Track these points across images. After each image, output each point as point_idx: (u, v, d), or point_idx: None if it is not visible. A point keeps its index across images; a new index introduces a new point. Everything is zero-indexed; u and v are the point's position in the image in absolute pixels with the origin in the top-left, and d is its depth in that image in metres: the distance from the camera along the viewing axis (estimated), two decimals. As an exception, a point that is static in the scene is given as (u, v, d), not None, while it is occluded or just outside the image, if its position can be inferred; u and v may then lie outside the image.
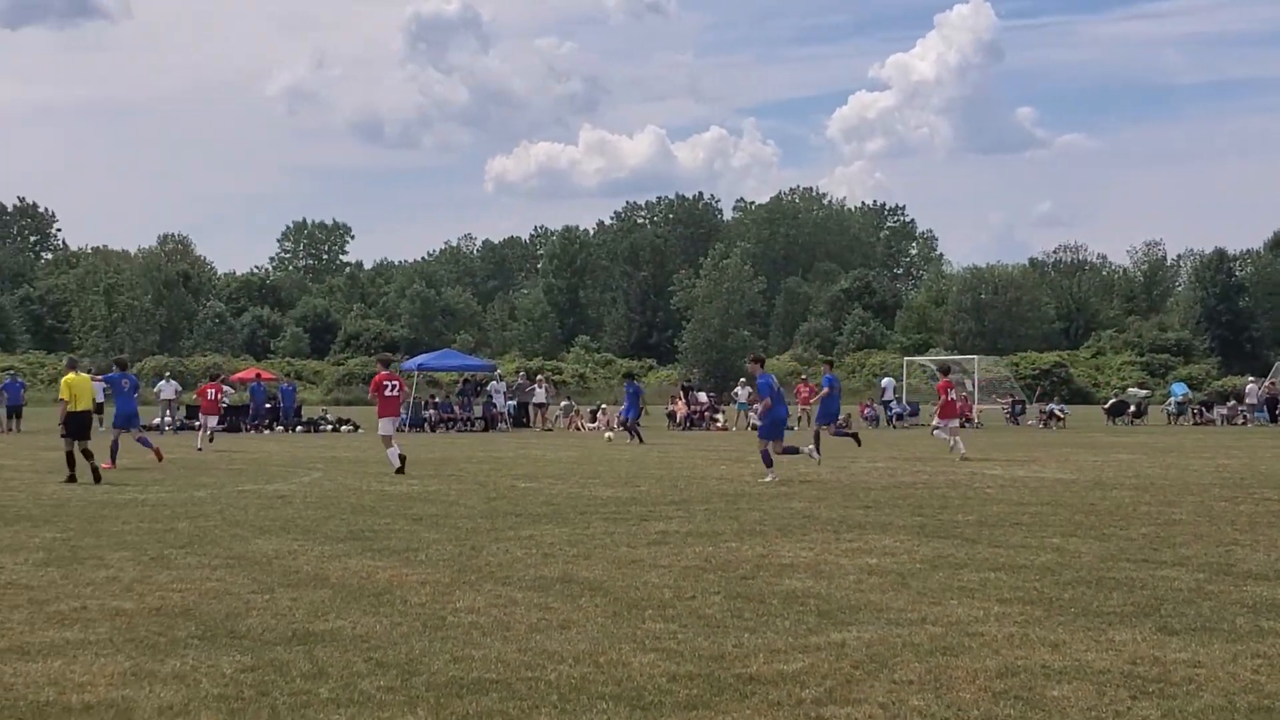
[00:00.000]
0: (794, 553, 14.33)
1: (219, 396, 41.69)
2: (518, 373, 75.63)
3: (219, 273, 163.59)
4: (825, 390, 33.90)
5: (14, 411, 49.96)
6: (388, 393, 27.63)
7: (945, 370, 36.15)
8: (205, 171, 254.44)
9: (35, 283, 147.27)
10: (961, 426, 56.50)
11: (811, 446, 28.90)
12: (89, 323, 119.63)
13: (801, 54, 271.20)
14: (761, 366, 26.35)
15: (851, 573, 12.89)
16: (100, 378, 35.70)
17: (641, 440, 41.44)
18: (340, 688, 8.31)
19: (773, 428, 25.37)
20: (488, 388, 57.83)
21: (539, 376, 63.13)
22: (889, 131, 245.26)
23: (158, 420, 52.77)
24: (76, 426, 24.96)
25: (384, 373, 28.21)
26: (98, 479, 24.18)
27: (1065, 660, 9.03)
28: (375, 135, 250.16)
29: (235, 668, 8.84)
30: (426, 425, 53.63)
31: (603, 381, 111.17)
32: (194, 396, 52.37)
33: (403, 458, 26.88)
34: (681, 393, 59.89)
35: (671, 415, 56.21)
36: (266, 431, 52.22)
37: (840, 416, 35.57)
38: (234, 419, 53.09)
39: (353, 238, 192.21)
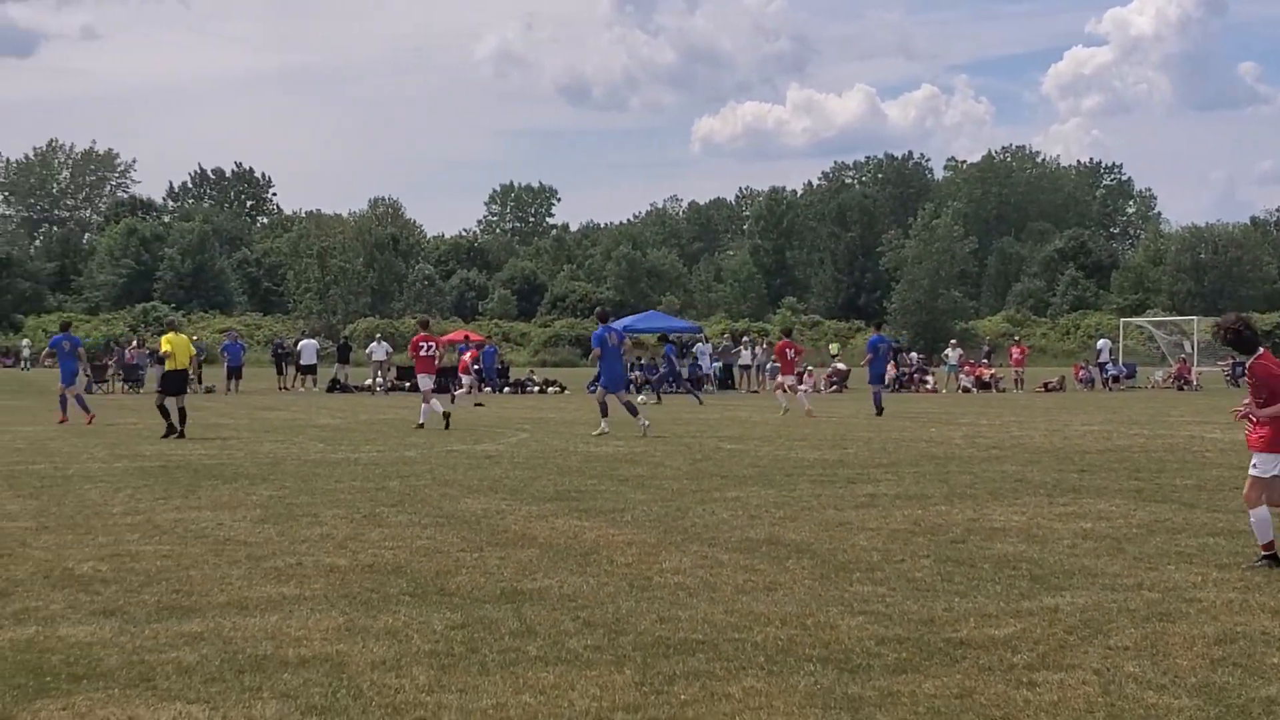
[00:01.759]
0: (1005, 517, 14.08)
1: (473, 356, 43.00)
2: (723, 334, 75.52)
3: (428, 235, 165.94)
4: (869, 354, 36.83)
5: (234, 372, 51.19)
6: (423, 353, 29.41)
7: (787, 332, 38.99)
8: (414, 135, 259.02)
9: (252, 246, 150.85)
10: (1180, 389, 55.37)
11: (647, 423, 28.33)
12: (303, 285, 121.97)
13: (1016, 9, 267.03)
14: (604, 322, 28.72)
15: (1065, 537, 12.63)
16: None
17: (659, 400, 43.49)
18: (548, 646, 8.35)
19: (610, 381, 27.26)
20: (693, 349, 57.80)
21: (745, 338, 62.88)
22: (1106, 88, 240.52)
23: (369, 381, 53.69)
24: (174, 383, 26.33)
25: (422, 334, 30.15)
26: (181, 432, 25.62)
27: (1290, 629, 8.75)
28: (582, 97, 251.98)
29: (445, 624, 8.93)
30: (631, 386, 53.76)
31: (810, 344, 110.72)
32: (408, 356, 53.28)
33: (447, 415, 28.43)
34: (890, 354, 59.36)
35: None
36: (474, 392, 52.76)
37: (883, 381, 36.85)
38: (443, 380, 53.73)
39: (559, 200, 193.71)
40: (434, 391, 29.47)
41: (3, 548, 12.14)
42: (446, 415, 28.24)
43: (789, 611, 9.29)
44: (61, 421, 30.16)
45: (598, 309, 31.14)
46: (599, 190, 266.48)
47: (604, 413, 26.84)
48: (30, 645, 8.39)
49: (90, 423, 30.15)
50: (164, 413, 25.89)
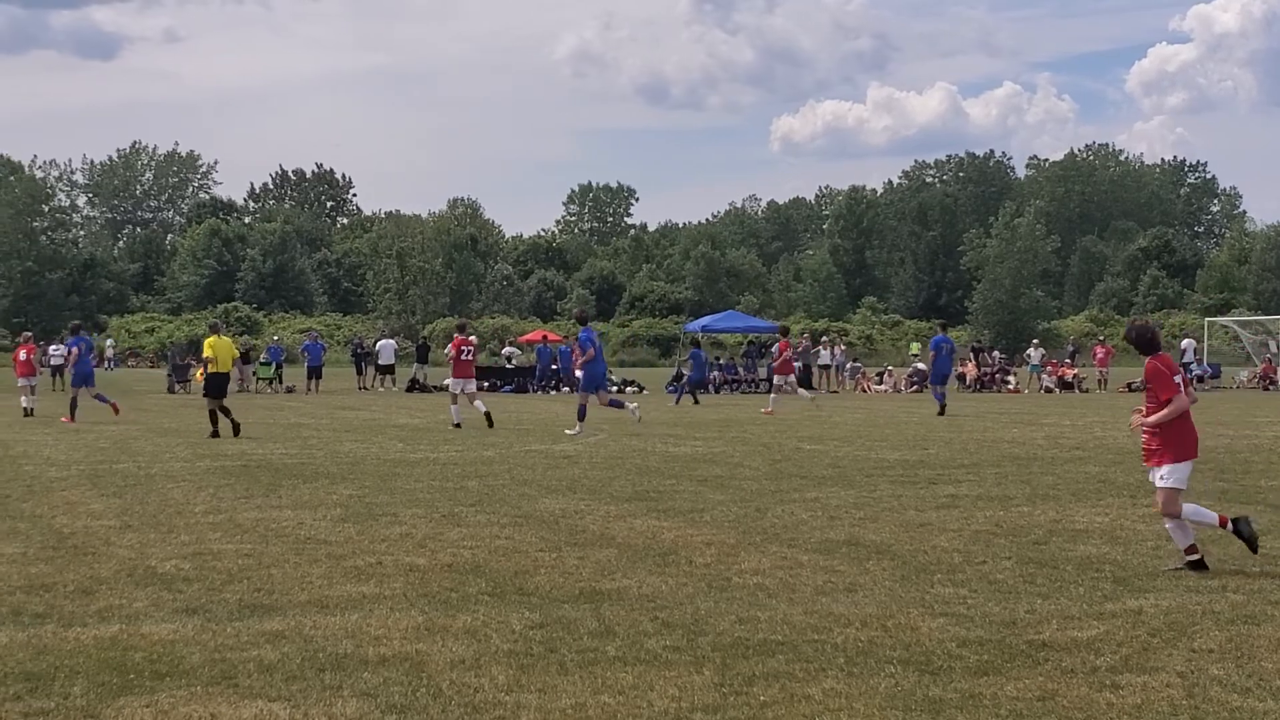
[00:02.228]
0: (1089, 518, 13.96)
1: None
2: (803, 334, 75.34)
3: (506, 236, 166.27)
4: (932, 353, 37.36)
5: (314, 372, 51.47)
6: (463, 356, 29.60)
7: (784, 331, 40.13)
8: (493, 135, 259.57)
9: (332, 247, 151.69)
10: (1266, 389, 54.65)
11: (634, 405, 29.29)
12: (382, 285, 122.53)
13: (1099, 6, 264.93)
14: (584, 324, 28.81)
15: (1149, 539, 12.51)
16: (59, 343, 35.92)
17: (696, 401, 43.05)
18: (627, 646, 8.35)
19: (590, 381, 27.44)
20: (772, 349, 57.62)
21: (824, 338, 62.71)
22: (1190, 85, 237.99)
23: (447, 381, 53.83)
24: (216, 386, 26.68)
25: (460, 337, 30.26)
26: (237, 432, 25.72)
27: (1380, 633, 8.62)
28: (661, 97, 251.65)
29: (524, 624, 8.95)
30: (711, 386, 53.72)
31: (890, 344, 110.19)
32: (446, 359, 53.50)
33: (457, 425, 28.41)
34: (972, 354, 58.99)
35: (961, 377, 55.28)
36: (553, 392, 52.88)
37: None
38: (521, 380, 53.93)
39: (637, 200, 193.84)
40: (463, 392, 29.57)
41: (87, 546, 12.28)
42: (457, 426, 28.38)
43: (869, 613, 9.25)
44: (68, 420, 30.45)
45: (577, 311, 31.55)
46: (677, 190, 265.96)
47: (581, 416, 26.99)
48: (114, 643, 8.47)
49: (68, 421, 30.38)
50: (213, 416, 26.10)
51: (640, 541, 12.51)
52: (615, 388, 53.17)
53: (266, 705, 7.14)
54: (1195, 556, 10.90)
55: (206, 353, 27.06)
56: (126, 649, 8.31)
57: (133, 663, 7.98)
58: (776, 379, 37.35)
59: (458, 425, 28.27)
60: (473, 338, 31.11)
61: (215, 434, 25.70)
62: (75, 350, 32.55)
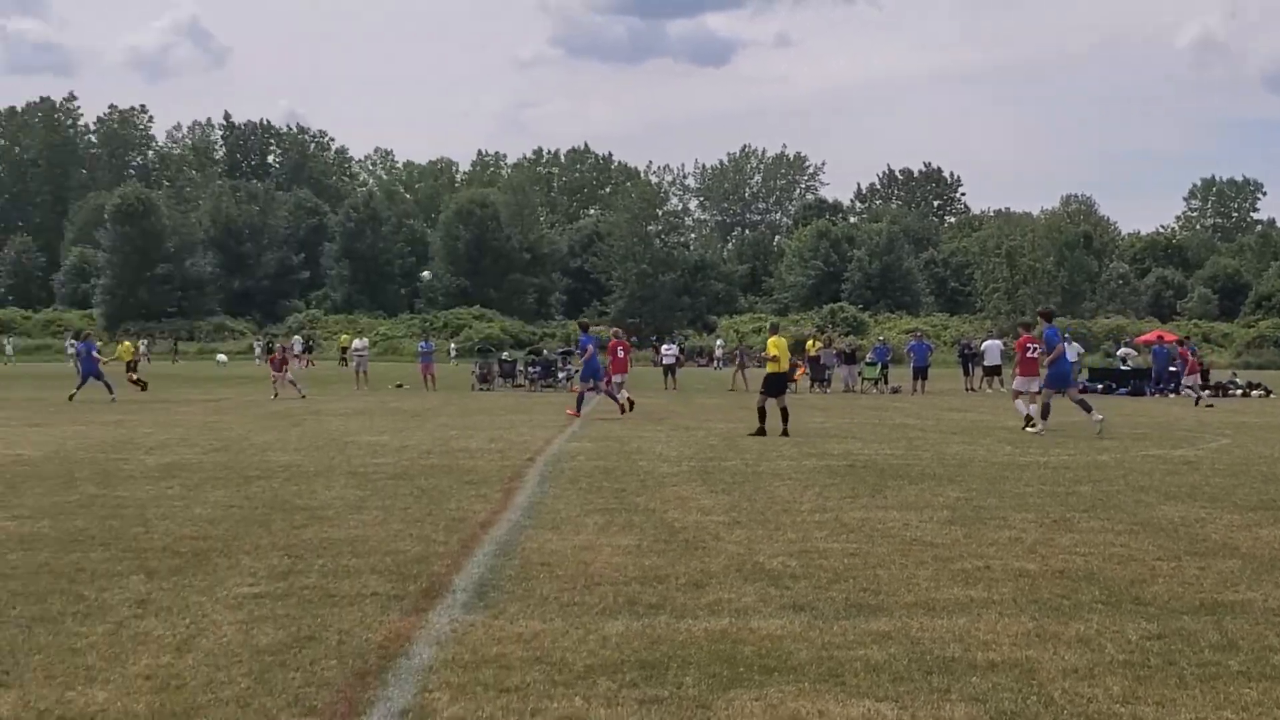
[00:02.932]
0: None
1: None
2: None
3: (1122, 233, 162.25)
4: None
5: (919, 372, 51.53)
6: (1028, 354, 29.88)
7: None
8: (1109, 129, 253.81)
9: (939, 246, 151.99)
10: None
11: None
12: (990, 285, 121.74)
13: None
14: (1049, 320, 28.90)
15: None
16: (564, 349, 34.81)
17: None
18: (1251, 661, 7.92)
19: (1056, 379, 27.45)
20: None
21: None
22: None
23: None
24: (775, 385, 26.88)
25: (1026, 335, 30.72)
26: (784, 430, 26.11)
27: None
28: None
29: (1140, 634, 8.62)
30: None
31: None
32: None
33: (1032, 420, 27.89)
34: None
35: None
36: (1170, 395, 51.00)
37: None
38: (1136, 382, 52.35)
39: (1265, 194, 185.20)
40: (1025, 391, 29.46)
41: (697, 540, 12.61)
42: (1034, 428, 27.53)
43: None
44: (573, 415, 31.24)
45: (1043, 308, 31.02)
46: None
47: (1044, 414, 27.08)
48: (724, 636, 8.64)
49: (573, 414, 31.45)
50: (761, 414, 26.36)
51: (1267, 552, 11.84)
52: (1240, 390, 50.87)
53: (874, 705, 7.12)
54: None
55: (771, 351, 27.49)
56: (736, 642, 8.46)
57: (742, 656, 8.12)
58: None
59: (1036, 427, 27.61)
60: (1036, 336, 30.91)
61: (761, 432, 26.11)
62: (583, 348, 33.49)
